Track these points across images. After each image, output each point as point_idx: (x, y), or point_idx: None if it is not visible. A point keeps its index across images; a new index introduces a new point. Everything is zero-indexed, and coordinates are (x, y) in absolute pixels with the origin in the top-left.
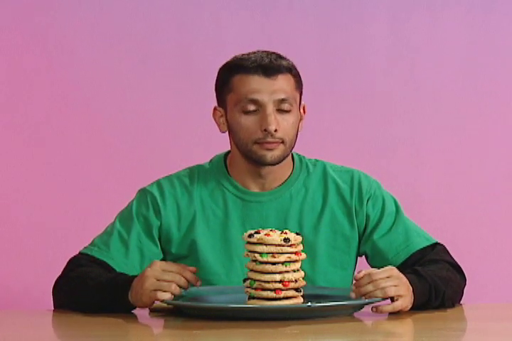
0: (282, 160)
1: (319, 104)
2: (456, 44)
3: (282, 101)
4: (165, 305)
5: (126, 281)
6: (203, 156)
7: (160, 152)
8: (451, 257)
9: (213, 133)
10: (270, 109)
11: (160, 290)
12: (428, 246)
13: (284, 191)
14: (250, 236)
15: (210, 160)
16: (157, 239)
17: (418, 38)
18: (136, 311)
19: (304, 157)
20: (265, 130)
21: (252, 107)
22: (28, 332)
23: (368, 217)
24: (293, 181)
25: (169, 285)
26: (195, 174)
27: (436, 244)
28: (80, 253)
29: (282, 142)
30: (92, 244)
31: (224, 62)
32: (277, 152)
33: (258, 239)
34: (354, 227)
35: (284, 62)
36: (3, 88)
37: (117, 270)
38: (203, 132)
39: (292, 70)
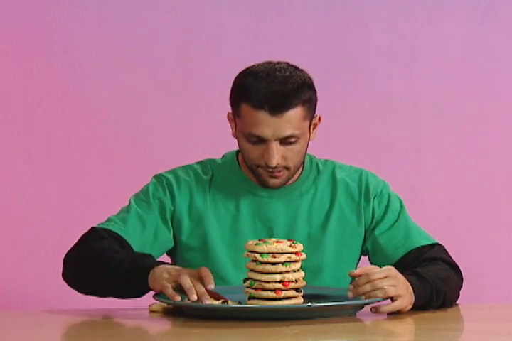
0: (285, 184)
1: (318, 105)
2: (456, 44)
3: (287, 137)
4: (165, 305)
5: (150, 264)
6: (202, 157)
7: (160, 152)
8: (450, 257)
9: (213, 134)
10: (273, 145)
11: (172, 288)
12: (427, 245)
13: (295, 188)
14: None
15: (223, 156)
16: (170, 224)
17: (418, 38)
18: (136, 311)
19: (314, 156)
20: (266, 163)
21: (255, 139)
22: (28, 332)
23: (373, 213)
24: (304, 179)
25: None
26: (208, 167)
27: (436, 244)
28: (93, 227)
29: (286, 168)
30: (108, 220)
31: (224, 61)
32: (281, 179)
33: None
34: (361, 224)
35: (292, 93)
36: (3, 88)
37: (132, 245)
38: (202, 133)
39: (302, 98)
